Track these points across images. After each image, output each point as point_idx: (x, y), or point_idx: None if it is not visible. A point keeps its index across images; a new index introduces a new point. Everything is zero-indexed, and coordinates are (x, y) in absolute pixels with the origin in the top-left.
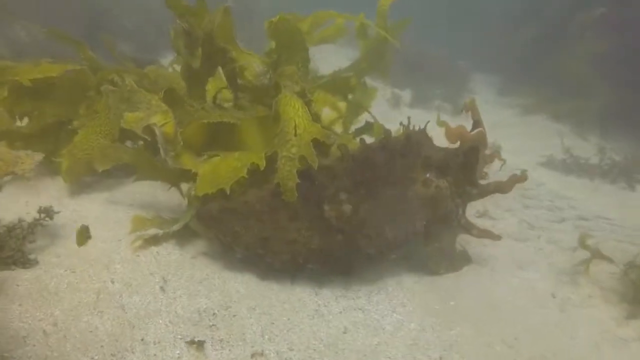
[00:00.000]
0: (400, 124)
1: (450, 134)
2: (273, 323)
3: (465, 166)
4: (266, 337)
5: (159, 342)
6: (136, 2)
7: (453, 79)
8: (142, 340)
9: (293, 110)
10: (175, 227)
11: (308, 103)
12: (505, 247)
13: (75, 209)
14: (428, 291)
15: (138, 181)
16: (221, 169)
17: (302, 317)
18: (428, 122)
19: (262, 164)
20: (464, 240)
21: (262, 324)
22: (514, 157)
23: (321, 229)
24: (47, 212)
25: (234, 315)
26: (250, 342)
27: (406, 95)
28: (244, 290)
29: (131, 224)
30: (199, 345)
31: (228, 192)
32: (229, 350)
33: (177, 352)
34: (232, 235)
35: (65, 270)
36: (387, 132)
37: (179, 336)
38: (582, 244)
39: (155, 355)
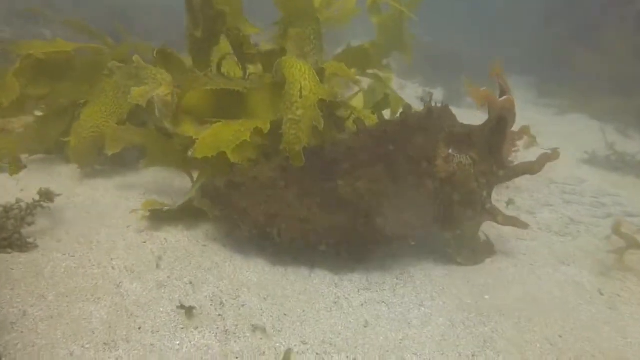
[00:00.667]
0: (421, 99)
1: (476, 96)
2: (286, 315)
3: (491, 142)
4: (277, 329)
5: (157, 332)
6: (158, 2)
7: (485, 77)
8: (139, 329)
9: (299, 72)
10: (180, 203)
11: (320, 72)
12: (544, 241)
13: (88, 196)
14: (460, 285)
15: (148, 167)
16: (223, 133)
17: (318, 309)
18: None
19: (266, 128)
20: (497, 232)
21: (274, 315)
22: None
23: (334, 207)
24: (47, 195)
25: (243, 305)
26: (259, 334)
27: (438, 93)
28: (256, 279)
29: (141, 207)
30: (202, 335)
31: (230, 157)
32: (235, 342)
33: (177, 342)
34: (239, 211)
35: (64, 255)
36: (407, 107)
37: (181, 326)
38: (617, 232)
39: (152, 345)
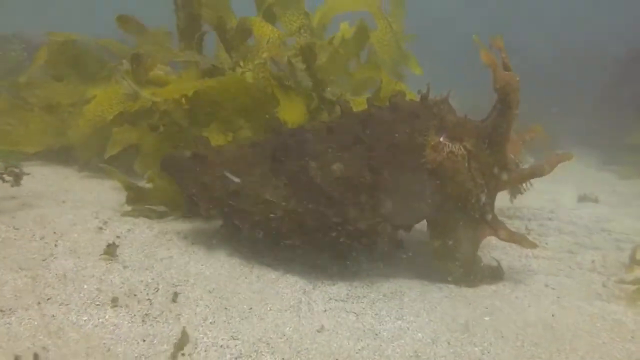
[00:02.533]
0: (418, 92)
1: (486, 57)
2: (227, 309)
3: (492, 135)
4: (209, 321)
5: (67, 305)
6: None
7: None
8: (48, 299)
9: (267, 29)
10: (144, 181)
11: (311, 48)
12: (577, 276)
13: (78, 191)
14: (459, 306)
15: (143, 170)
16: (189, 83)
17: (270, 308)
18: (450, 90)
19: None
20: (505, 252)
21: (212, 307)
22: (611, 208)
23: (303, 191)
24: (15, 174)
25: (180, 294)
26: (184, 322)
27: None
28: (209, 273)
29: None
30: (116, 315)
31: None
32: (151, 325)
33: (85, 318)
34: (199, 187)
35: (9, 227)
36: (401, 93)
37: (98, 303)
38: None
39: (53, 316)
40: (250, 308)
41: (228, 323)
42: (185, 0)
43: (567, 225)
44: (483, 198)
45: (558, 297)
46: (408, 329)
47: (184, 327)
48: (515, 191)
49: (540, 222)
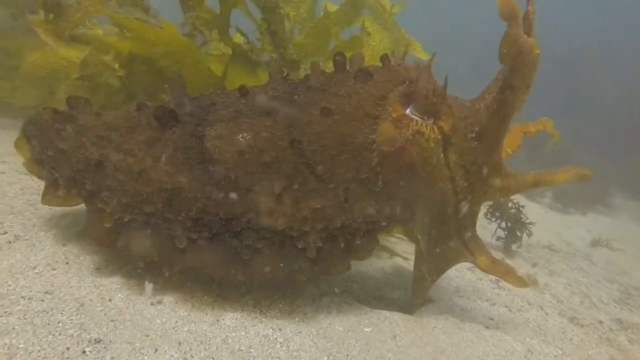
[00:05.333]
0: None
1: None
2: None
3: (486, 123)
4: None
5: None
6: None
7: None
8: None
9: None
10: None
11: None
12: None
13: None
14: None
15: None
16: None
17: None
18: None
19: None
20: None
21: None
22: None
23: (193, 167)
24: None
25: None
26: None
27: None
28: (75, 283)
29: None
30: None
31: None
32: None
33: None
34: (55, 151)
35: None
36: (359, 55)
37: None
38: None
39: None
40: (91, 300)
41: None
42: None
43: None
44: (465, 208)
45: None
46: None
47: None
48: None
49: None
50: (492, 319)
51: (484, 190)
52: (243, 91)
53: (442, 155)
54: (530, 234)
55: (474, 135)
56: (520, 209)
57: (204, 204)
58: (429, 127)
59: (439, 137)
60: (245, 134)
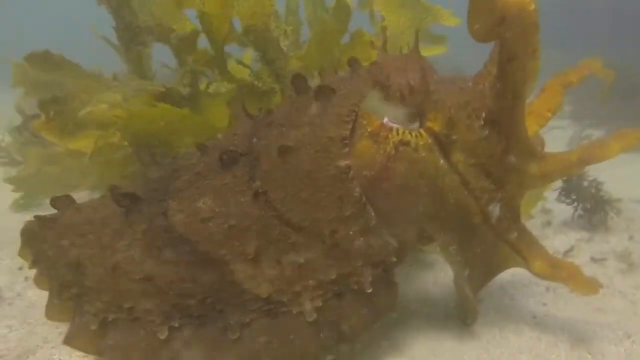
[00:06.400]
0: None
1: None
2: None
3: (495, 94)
4: None
5: None
6: None
7: None
8: None
9: None
10: None
11: None
12: None
13: None
14: None
15: None
16: None
17: None
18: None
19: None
20: None
21: None
22: None
23: (163, 249)
24: None
25: None
26: None
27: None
28: None
29: None
30: None
31: None
32: None
33: None
34: (45, 259)
35: None
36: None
37: None
38: None
39: None
40: None
41: None
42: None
43: None
44: (496, 210)
45: None
46: None
47: None
48: None
49: None
50: None
51: (519, 181)
52: (201, 148)
53: (442, 161)
54: (618, 213)
55: (482, 122)
56: (599, 186)
57: (179, 287)
58: (414, 134)
59: (430, 140)
60: (205, 199)
